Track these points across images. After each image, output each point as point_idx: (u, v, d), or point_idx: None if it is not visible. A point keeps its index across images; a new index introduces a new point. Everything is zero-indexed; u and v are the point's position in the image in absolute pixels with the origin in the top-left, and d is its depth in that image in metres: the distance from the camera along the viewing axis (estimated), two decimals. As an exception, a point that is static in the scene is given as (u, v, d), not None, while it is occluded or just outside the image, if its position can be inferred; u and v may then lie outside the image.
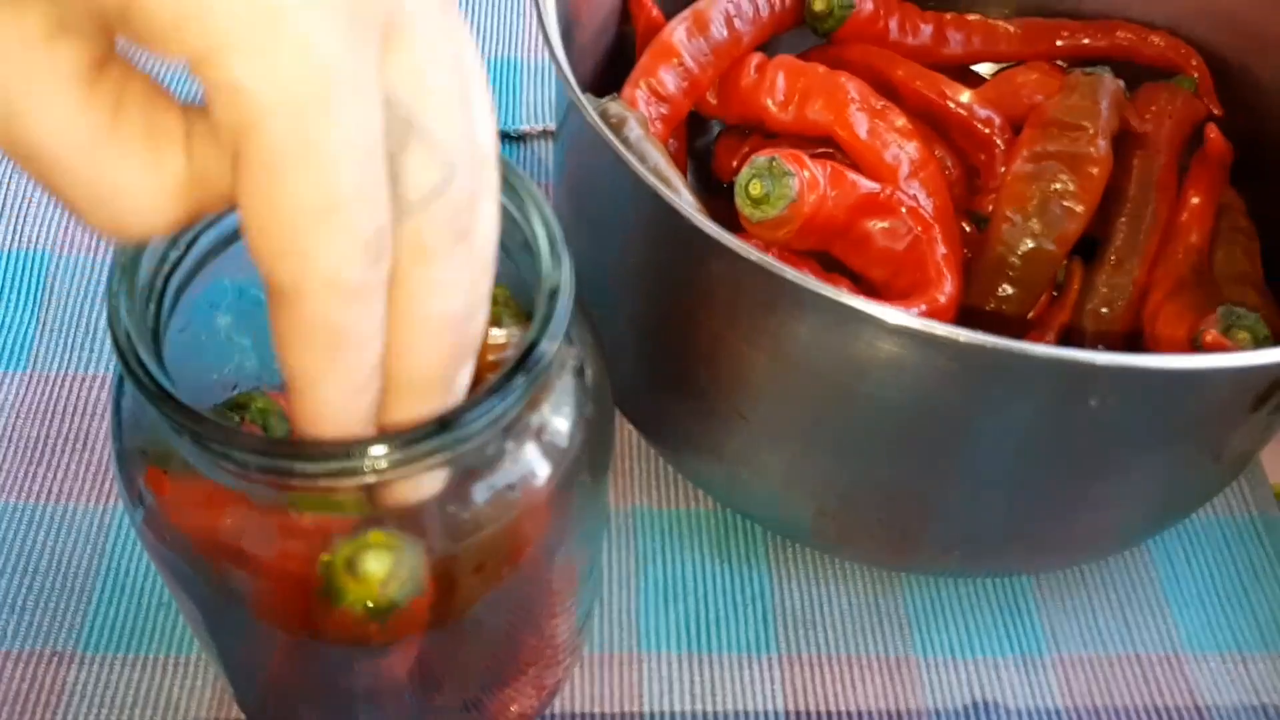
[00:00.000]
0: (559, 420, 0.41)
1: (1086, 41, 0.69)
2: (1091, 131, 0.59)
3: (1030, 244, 0.58)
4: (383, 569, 0.37)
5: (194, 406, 0.34)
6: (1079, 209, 0.58)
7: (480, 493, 0.39)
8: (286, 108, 0.25)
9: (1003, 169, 0.62)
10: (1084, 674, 0.58)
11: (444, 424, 0.34)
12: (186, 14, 0.24)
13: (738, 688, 0.56)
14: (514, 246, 0.40)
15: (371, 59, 0.27)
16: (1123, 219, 0.60)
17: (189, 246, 0.40)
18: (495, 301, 0.41)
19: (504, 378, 0.35)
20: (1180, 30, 0.69)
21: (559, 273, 0.38)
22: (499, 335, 0.41)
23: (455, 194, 0.30)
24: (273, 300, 0.29)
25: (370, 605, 0.37)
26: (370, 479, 0.34)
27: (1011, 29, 0.70)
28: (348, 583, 0.37)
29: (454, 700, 0.49)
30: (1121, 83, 0.62)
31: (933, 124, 0.64)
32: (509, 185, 0.40)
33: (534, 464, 0.40)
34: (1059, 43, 0.69)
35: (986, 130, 0.63)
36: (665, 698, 0.56)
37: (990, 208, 0.61)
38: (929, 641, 0.59)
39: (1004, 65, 0.71)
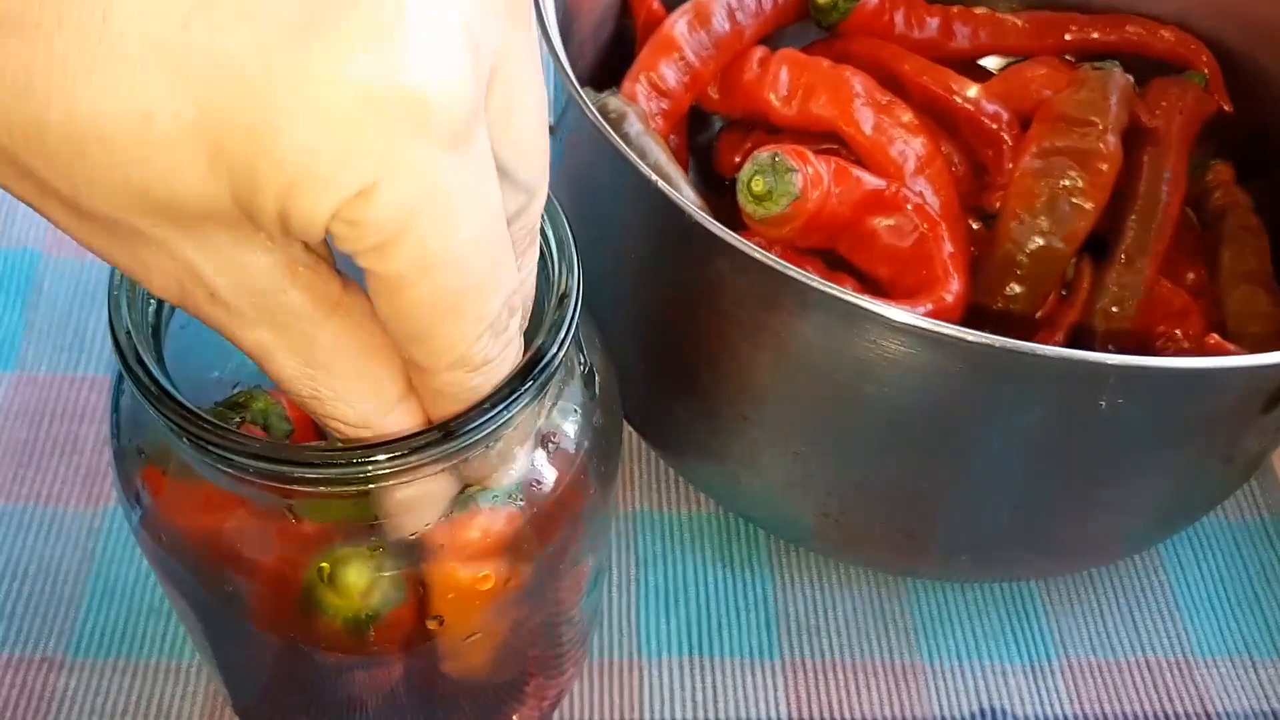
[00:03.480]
0: (567, 428, 0.41)
1: (1095, 36, 0.69)
2: (1101, 127, 0.58)
3: (1039, 242, 0.57)
4: (362, 579, 0.37)
5: (194, 407, 0.34)
6: (1088, 206, 0.57)
7: (485, 501, 0.38)
8: (406, 233, 0.26)
9: (1010, 165, 0.61)
10: (1093, 680, 0.58)
11: (448, 431, 0.33)
12: (298, 174, 0.24)
13: (740, 694, 0.56)
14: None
15: (484, 144, 0.28)
16: (1133, 216, 0.59)
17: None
18: None
19: (511, 384, 0.35)
20: (1190, 24, 0.69)
21: (569, 277, 0.38)
22: None
23: (531, 213, 0.32)
24: (410, 366, 0.31)
25: (350, 616, 0.37)
26: (373, 485, 0.34)
27: (1019, 23, 0.69)
28: (327, 594, 0.37)
29: (456, 711, 0.48)
30: (1131, 78, 0.61)
31: (939, 119, 0.63)
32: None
33: (541, 472, 0.40)
34: (1067, 37, 0.69)
35: (994, 126, 0.62)
36: (666, 705, 0.55)
37: (998, 204, 0.60)
38: (935, 647, 0.58)
39: (1012, 60, 0.71)
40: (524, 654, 0.47)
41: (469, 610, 0.40)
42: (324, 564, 0.37)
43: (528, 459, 0.39)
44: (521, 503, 0.39)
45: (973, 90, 0.63)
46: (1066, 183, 0.57)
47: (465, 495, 0.38)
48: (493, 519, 0.39)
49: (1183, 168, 0.62)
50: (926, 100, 0.63)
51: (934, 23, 0.68)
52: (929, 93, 0.63)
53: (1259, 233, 0.62)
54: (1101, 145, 0.58)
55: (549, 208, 0.39)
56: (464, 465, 0.36)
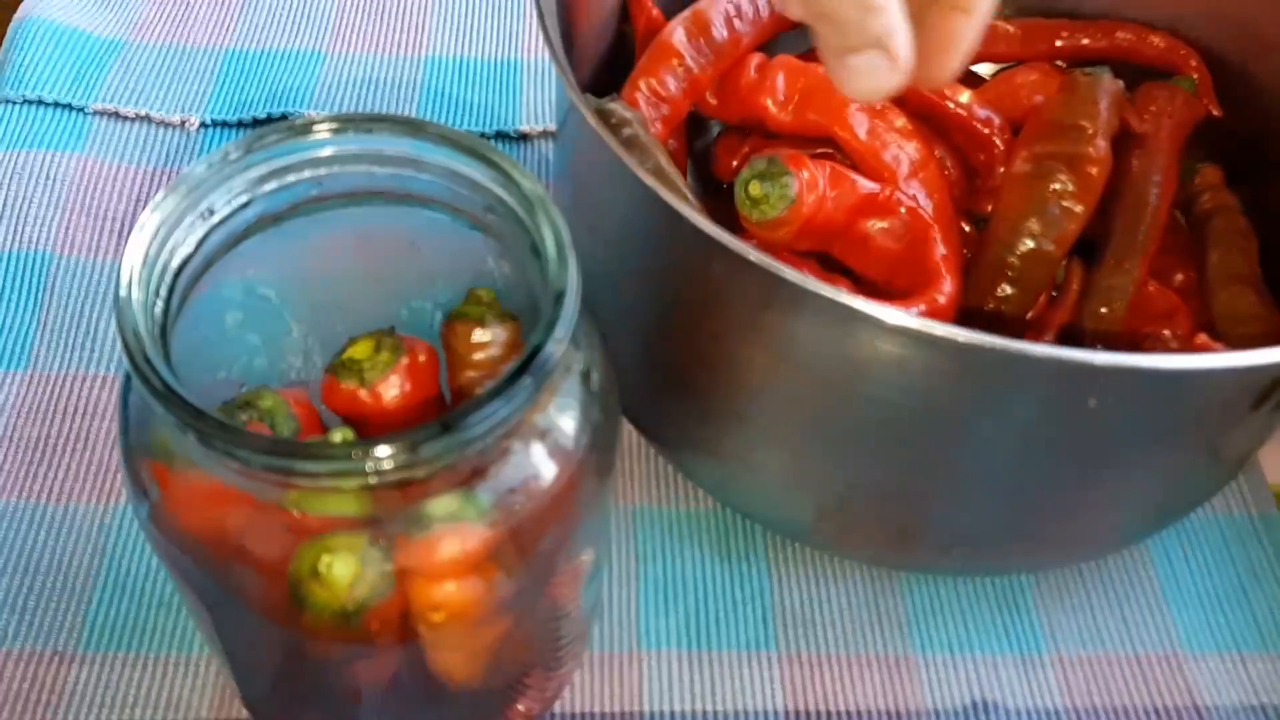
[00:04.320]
0: (564, 424, 0.41)
1: (1086, 42, 0.69)
2: (1091, 131, 0.59)
3: (1029, 244, 0.57)
4: (348, 572, 0.37)
5: (199, 404, 0.34)
6: (1078, 209, 0.58)
7: (484, 495, 0.39)
8: None
9: (1001, 169, 0.61)
10: (1083, 673, 0.58)
11: (447, 426, 0.34)
12: None
13: (737, 686, 0.56)
14: (520, 249, 0.41)
15: None
16: (1122, 219, 0.60)
17: (199, 244, 0.40)
18: (480, 302, 0.41)
19: (509, 380, 0.35)
20: (1180, 31, 0.69)
21: (565, 275, 0.38)
22: (483, 336, 0.42)
23: None
24: None
25: (337, 609, 0.38)
26: (374, 480, 0.35)
27: (1011, 29, 0.70)
28: (313, 587, 0.37)
29: (459, 702, 0.49)
30: (1121, 83, 0.62)
31: (932, 124, 0.64)
32: (516, 187, 0.40)
33: (539, 468, 0.40)
34: (1058, 43, 0.69)
35: (986, 130, 0.63)
36: (665, 697, 0.56)
37: (990, 208, 0.61)
38: (928, 640, 0.59)
39: (1004, 65, 0.71)
40: (524, 647, 0.48)
41: (468, 603, 0.40)
42: (310, 556, 0.37)
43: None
44: (520, 498, 0.40)
45: (964, 95, 0.63)
46: (1056, 186, 0.58)
47: (466, 496, 0.39)
48: (489, 519, 0.39)
49: (1172, 171, 0.62)
50: (919, 105, 0.63)
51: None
52: (922, 98, 0.63)
53: (1247, 235, 0.63)
54: (1091, 149, 0.58)
55: (544, 206, 0.39)
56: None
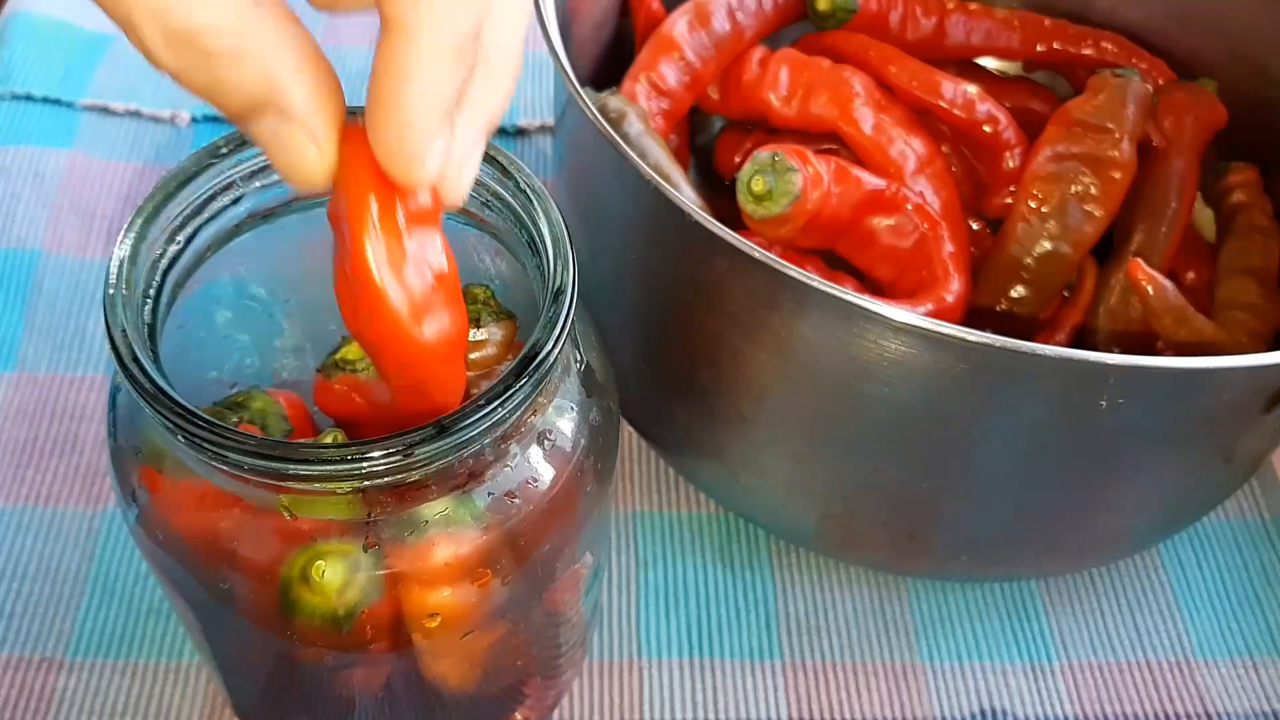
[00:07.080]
0: (563, 426, 0.41)
1: (1088, 53, 0.68)
2: (1117, 135, 0.58)
3: (1047, 246, 0.57)
4: (339, 577, 0.37)
5: (188, 406, 0.34)
6: (1099, 213, 0.57)
7: (480, 499, 0.38)
8: None
9: (1011, 164, 0.61)
10: (1093, 680, 0.58)
11: (442, 428, 0.33)
12: None
13: (740, 695, 0.56)
14: (517, 246, 0.40)
15: None
16: (1141, 219, 0.59)
17: (188, 242, 0.40)
18: (475, 300, 0.41)
19: (506, 381, 0.35)
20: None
21: (564, 273, 0.38)
22: (479, 335, 0.41)
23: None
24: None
25: (327, 614, 0.37)
26: (366, 482, 0.34)
27: (1014, 23, 0.69)
28: (304, 592, 0.37)
29: (454, 710, 0.48)
30: (1150, 87, 0.61)
31: (928, 121, 0.63)
32: (513, 182, 0.40)
33: (537, 470, 0.39)
34: (1056, 45, 0.69)
35: (989, 129, 0.62)
36: (666, 705, 0.55)
37: (993, 201, 0.60)
38: (935, 648, 0.58)
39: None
40: (522, 654, 0.47)
41: (464, 608, 0.40)
42: (301, 561, 0.37)
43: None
44: (518, 501, 0.39)
45: (964, 94, 0.62)
46: (1079, 188, 0.57)
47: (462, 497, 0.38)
48: (484, 524, 0.39)
49: (1193, 174, 0.62)
50: (914, 104, 0.62)
51: (929, 23, 0.68)
52: (915, 99, 0.62)
53: (1269, 234, 0.62)
54: (1116, 153, 0.58)
55: (543, 203, 0.39)
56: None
